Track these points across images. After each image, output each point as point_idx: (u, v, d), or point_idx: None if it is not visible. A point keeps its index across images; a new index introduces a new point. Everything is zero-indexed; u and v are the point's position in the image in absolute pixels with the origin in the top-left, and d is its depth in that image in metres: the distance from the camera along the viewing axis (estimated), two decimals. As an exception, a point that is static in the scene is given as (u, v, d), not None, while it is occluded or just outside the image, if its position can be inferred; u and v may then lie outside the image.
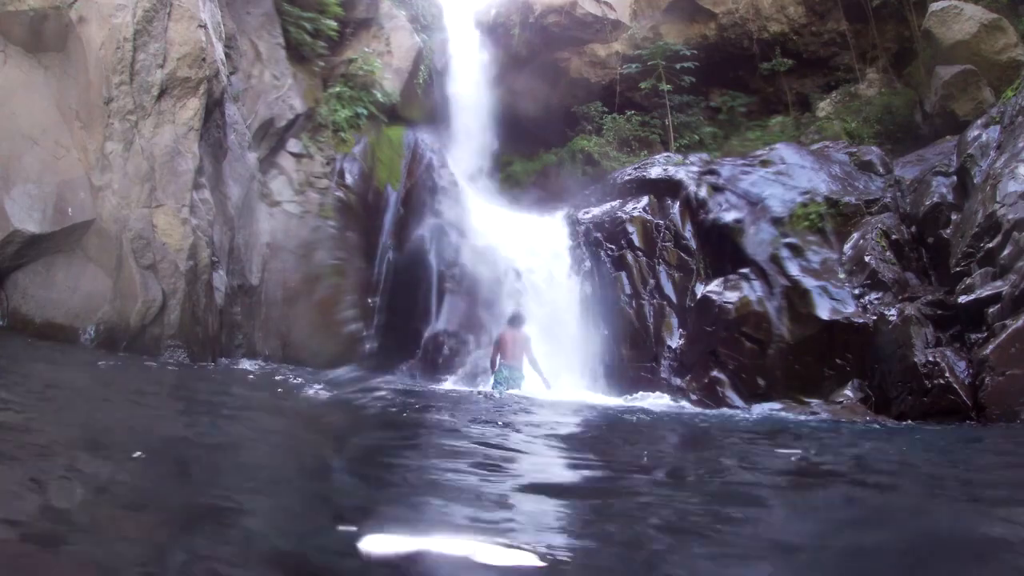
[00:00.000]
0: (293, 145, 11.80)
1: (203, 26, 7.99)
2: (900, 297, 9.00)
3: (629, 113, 16.78)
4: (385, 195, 12.76)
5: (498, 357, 9.68)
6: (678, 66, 16.24)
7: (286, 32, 11.89)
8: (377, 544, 2.22)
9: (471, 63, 16.87)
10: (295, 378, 7.47)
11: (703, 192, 11.67)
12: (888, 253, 9.64)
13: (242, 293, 10.07)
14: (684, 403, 9.43)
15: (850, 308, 9.13)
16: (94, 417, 4.17)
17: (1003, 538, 2.68)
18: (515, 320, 10.02)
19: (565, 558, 2.34)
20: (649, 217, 11.93)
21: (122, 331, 7.22)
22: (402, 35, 14.15)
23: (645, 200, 12.19)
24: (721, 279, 10.47)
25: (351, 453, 3.96)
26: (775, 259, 10.07)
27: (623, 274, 11.50)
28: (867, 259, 9.55)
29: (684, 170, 12.33)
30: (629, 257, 11.58)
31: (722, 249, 10.91)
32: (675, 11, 16.80)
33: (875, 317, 8.80)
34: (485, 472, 3.56)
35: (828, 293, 9.38)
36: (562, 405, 8.13)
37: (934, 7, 12.77)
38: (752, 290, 9.92)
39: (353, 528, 2.45)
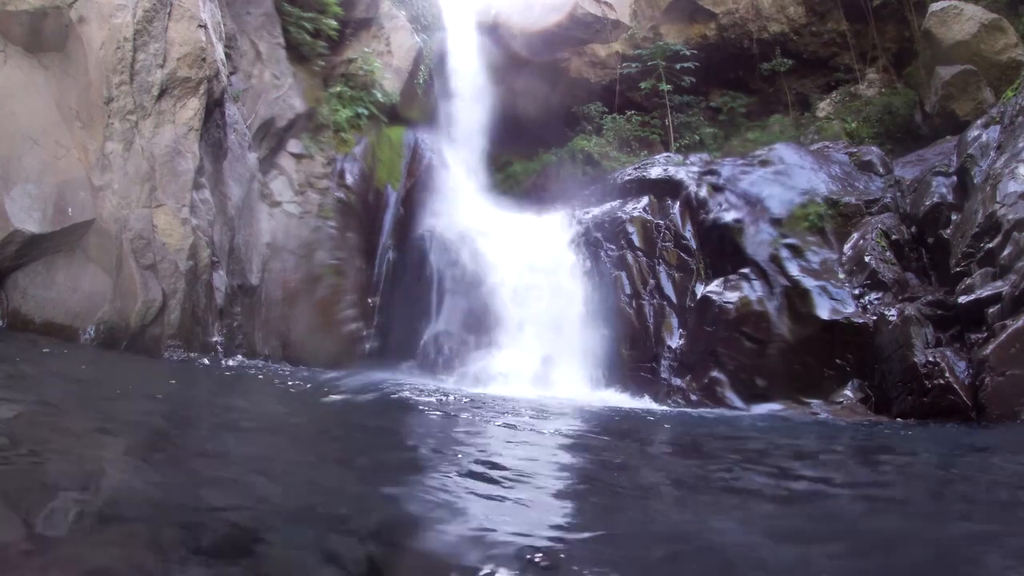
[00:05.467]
0: (293, 145, 11.79)
1: (203, 26, 7.99)
2: (900, 297, 9.00)
3: (629, 113, 16.78)
4: (385, 195, 12.76)
5: None
6: (678, 66, 16.23)
7: (286, 32, 11.88)
8: None
9: (471, 63, 16.84)
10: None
11: (703, 192, 11.66)
12: (888, 253, 9.64)
13: (242, 293, 10.07)
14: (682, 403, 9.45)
15: (850, 308, 9.13)
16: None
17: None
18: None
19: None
20: (649, 217, 11.92)
21: (122, 331, 7.22)
22: (402, 35, 14.14)
23: (645, 200, 12.18)
24: (721, 279, 10.46)
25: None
26: (775, 259, 10.06)
27: (623, 274, 11.48)
28: (867, 259, 9.55)
29: (684, 170, 12.33)
30: (629, 257, 11.57)
31: (722, 249, 10.90)
32: (675, 11, 16.79)
33: (875, 317, 8.80)
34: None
35: (828, 293, 9.38)
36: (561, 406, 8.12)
37: (934, 7, 12.77)
38: (752, 290, 9.91)
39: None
